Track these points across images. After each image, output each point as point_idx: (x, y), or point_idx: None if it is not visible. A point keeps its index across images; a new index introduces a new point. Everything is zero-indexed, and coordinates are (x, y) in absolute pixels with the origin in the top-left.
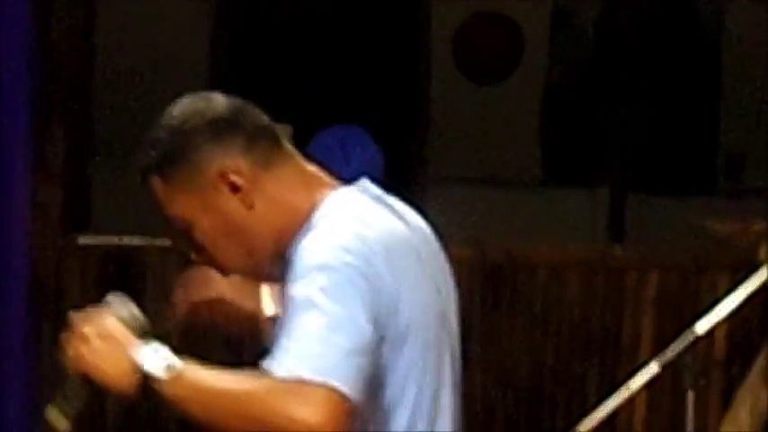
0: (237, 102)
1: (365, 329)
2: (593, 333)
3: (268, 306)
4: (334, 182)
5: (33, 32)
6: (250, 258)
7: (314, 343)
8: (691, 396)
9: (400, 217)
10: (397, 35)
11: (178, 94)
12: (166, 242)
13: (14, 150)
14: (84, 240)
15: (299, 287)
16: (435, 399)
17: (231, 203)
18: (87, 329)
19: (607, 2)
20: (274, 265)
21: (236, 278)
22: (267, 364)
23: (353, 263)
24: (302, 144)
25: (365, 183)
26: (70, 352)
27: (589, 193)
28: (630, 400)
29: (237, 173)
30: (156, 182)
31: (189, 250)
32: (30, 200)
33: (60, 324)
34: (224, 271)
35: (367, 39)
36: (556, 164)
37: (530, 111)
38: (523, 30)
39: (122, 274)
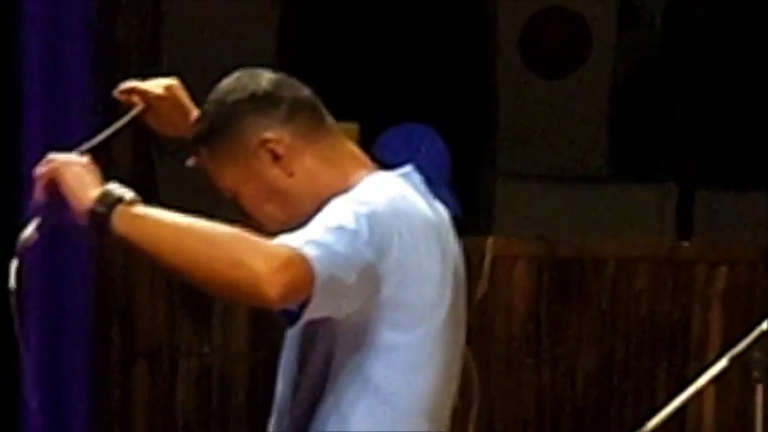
0: (281, 76)
1: (364, 256)
2: (661, 327)
3: None
4: (374, 165)
5: (98, 30)
6: (290, 221)
7: (318, 230)
8: (760, 390)
9: (431, 205)
10: (465, 31)
11: None
12: None
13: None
14: None
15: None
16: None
17: (273, 171)
18: (64, 158)
19: None
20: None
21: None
22: None
23: (372, 214)
24: (370, 142)
25: (407, 169)
26: (44, 169)
27: (657, 188)
28: (699, 396)
29: (278, 142)
30: (205, 154)
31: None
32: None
33: (129, 320)
34: (269, 233)
35: (434, 35)
36: (624, 158)
37: (597, 105)
38: (590, 24)
39: None
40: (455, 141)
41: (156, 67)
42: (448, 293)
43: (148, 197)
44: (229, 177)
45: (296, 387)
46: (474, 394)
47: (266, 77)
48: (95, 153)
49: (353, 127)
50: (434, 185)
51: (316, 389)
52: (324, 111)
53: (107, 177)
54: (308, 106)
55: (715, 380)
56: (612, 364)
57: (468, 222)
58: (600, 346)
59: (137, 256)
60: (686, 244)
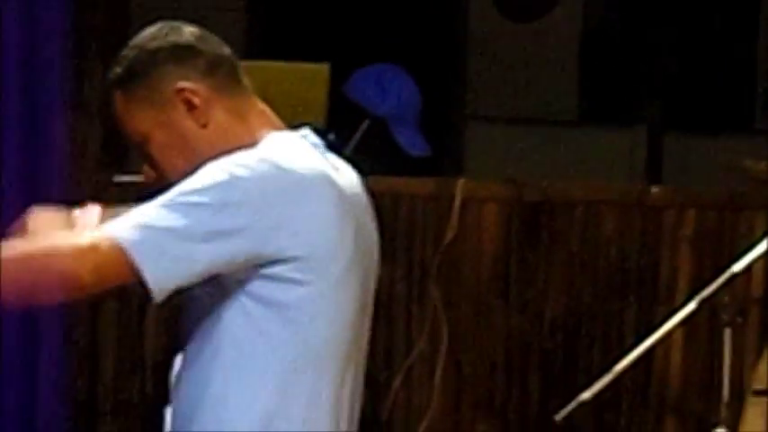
0: (204, 31)
1: (208, 219)
2: (629, 271)
3: None
4: (281, 124)
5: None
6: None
7: (140, 216)
8: (728, 334)
9: (333, 166)
10: None
11: (218, 31)
12: None
13: (51, 87)
14: (121, 178)
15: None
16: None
17: (186, 121)
18: None
19: None
20: None
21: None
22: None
23: (239, 174)
24: (340, 82)
25: (307, 131)
26: None
27: (627, 132)
28: (667, 339)
29: (195, 93)
30: (119, 96)
31: (145, 173)
32: (67, 137)
33: None
34: (167, 185)
35: None
36: (594, 102)
37: (568, 49)
38: None
39: None
40: (426, 83)
41: (126, 8)
42: (347, 248)
43: (118, 138)
44: (142, 122)
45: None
46: (442, 337)
47: (189, 30)
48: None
49: (324, 68)
50: (405, 125)
51: (200, 351)
52: (240, 71)
53: None
54: (227, 63)
55: (683, 323)
56: (581, 308)
57: (438, 164)
58: (569, 290)
59: (106, 197)
60: (655, 188)
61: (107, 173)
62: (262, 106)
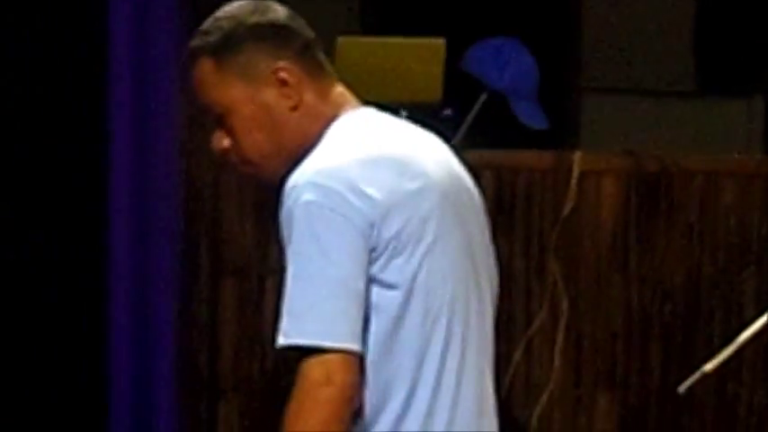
0: (292, 11)
1: (344, 268)
2: (749, 241)
3: None
4: (357, 103)
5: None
6: (273, 155)
7: (301, 303)
8: None
9: (416, 140)
10: None
11: (332, 6)
12: None
13: (167, 66)
14: None
15: (289, 244)
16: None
17: (277, 100)
18: None
19: None
20: (285, 168)
21: None
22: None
23: (325, 202)
24: (457, 57)
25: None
26: None
27: (744, 102)
28: None
29: (290, 72)
30: (207, 64)
31: (216, 141)
32: (185, 116)
33: (216, 238)
34: (243, 161)
35: None
36: (711, 73)
37: (684, 19)
38: None
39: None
40: (541, 56)
41: None
42: (431, 226)
43: None
44: (229, 93)
45: None
46: (562, 310)
47: (283, 9)
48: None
49: (440, 42)
50: (522, 98)
51: None
52: (322, 53)
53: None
54: (315, 45)
55: None
56: (700, 278)
57: (556, 137)
58: (688, 260)
59: (225, 174)
60: None
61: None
62: (340, 87)
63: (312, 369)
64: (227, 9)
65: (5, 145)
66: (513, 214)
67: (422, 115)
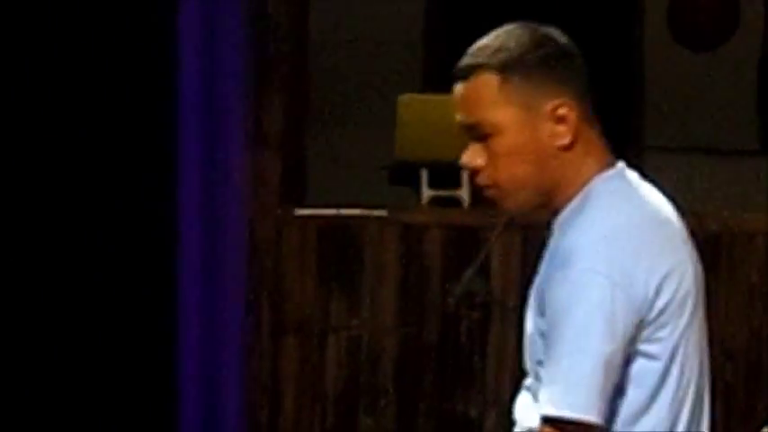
0: (576, 50)
1: (610, 345)
2: None
3: None
4: (611, 158)
5: (249, 1)
6: (526, 188)
7: (568, 374)
8: None
9: (658, 200)
10: (612, 3)
11: (395, 63)
12: (383, 213)
13: (232, 121)
14: (301, 212)
15: (559, 311)
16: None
17: (550, 137)
18: None
19: None
20: (532, 205)
21: None
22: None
23: (608, 275)
24: None
25: (623, 164)
26: None
27: None
28: None
29: (571, 110)
30: (491, 80)
31: (472, 155)
32: (248, 171)
33: (278, 295)
34: (493, 184)
35: (581, 6)
36: None
37: (746, 78)
38: None
39: (340, 247)
40: (604, 114)
41: (306, 42)
42: (692, 298)
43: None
44: (501, 115)
45: None
46: None
47: (569, 44)
48: None
49: None
50: None
51: None
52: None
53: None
54: (590, 93)
55: None
56: (761, 339)
57: None
58: (750, 321)
59: (287, 231)
60: None
61: (287, 207)
62: (599, 140)
63: None
64: (514, 32)
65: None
66: None
67: None
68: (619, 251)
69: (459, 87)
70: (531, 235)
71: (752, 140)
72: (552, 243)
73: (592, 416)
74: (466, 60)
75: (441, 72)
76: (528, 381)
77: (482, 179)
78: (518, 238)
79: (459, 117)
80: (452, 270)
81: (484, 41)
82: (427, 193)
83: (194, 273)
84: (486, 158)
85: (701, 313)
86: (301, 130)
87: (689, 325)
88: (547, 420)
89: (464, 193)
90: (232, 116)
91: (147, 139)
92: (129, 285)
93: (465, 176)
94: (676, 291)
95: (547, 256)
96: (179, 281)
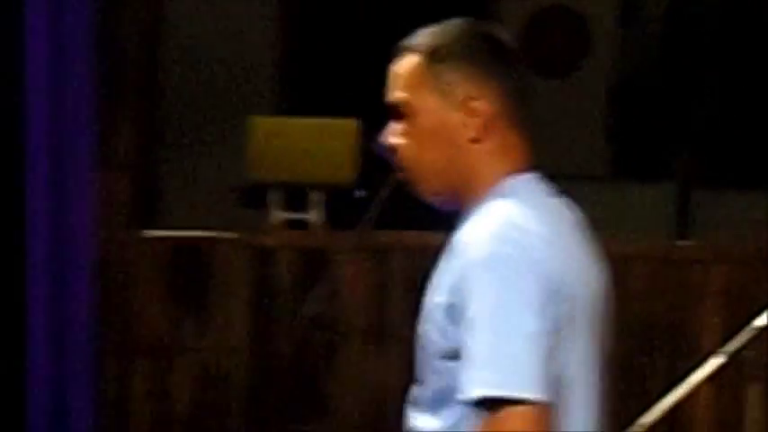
0: (518, 52)
1: (534, 323)
2: (657, 326)
3: None
4: (529, 167)
5: (98, 21)
6: (436, 175)
7: (493, 353)
8: (756, 389)
9: (570, 209)
10: None
11: (248, 85)
12: (234, 235)
13: (81, 142)
14: (152, 233)
15: (472, 296)
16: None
17: (460, 126)
18: None
19: None
20: (440, 194)
21: None
22: (460, 379)
23: (514, 254)
24: (371, 138)
25: (537, 174)
26: None
27: (656, 188)
28: (693, 394)
29: (481, 109)
30: (416, 64)
31: (391, 133)
32: (98, 192)
33: (128, 317)
34: (405, 166)
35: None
36: (622, 158)
37: (596, 105)
38: (590, 23)
39: (191, 269)
40: None
41: (156, 63)
42: (583, 314)
43: (148, 194)
44: (419, 98)
45: None
46: None
47: (511, 41)
48: None
49: (354, 123)
50: None
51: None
52: (529, 105)
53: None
54: (524, 99)
55: (710, 379)
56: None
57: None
58: None
59: (137, 252)
60: (684, 243)
61: (137, 228)
62: (521, 146)
63: (515, 423)
64: (457, 24)
65: None
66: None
67: (334, 196)
68: (532, 237)
69: (391, 66)
70: (381, 258)
71: (601, 167)
72: (457, 235)
73: (531, 393)
74: (404, 41)
75: (293, 95)
76: (414, 391)
77: (397, 160)
78: (369, 261)
79: (387, 95)
80: (302, 292)
81: (427, 29)
82: (277, 215)
83: (42, 294)
84: (402, 140)
85: (595, 329)
86: (152, 151)
87: (580, 335)
88: (481, 405)
89: (313, 216)
90: (81, 137)
91: None
92: None
93: (315, 199)
94: (574, 297)
95: (450, 248)
96: (26, 303)
